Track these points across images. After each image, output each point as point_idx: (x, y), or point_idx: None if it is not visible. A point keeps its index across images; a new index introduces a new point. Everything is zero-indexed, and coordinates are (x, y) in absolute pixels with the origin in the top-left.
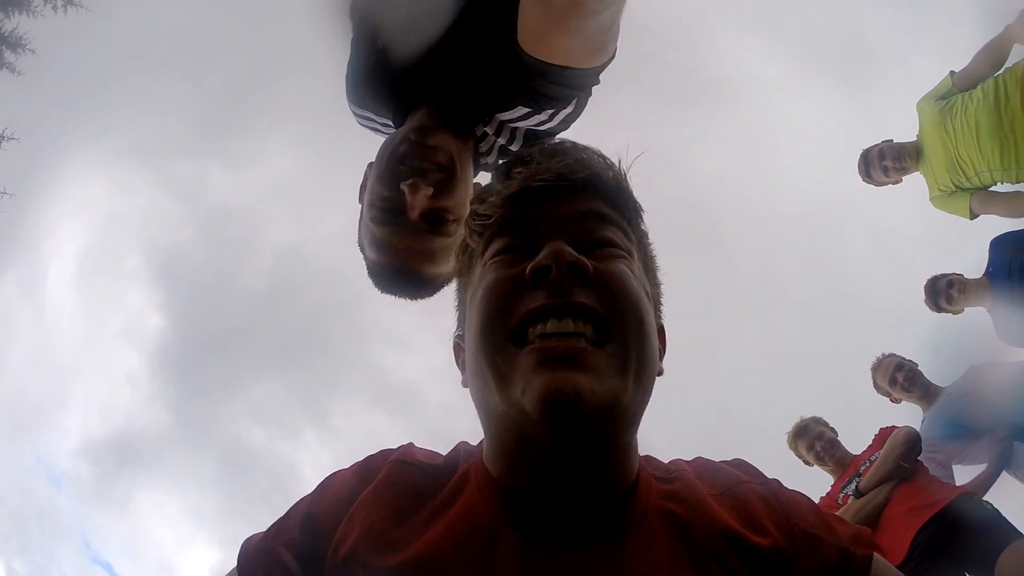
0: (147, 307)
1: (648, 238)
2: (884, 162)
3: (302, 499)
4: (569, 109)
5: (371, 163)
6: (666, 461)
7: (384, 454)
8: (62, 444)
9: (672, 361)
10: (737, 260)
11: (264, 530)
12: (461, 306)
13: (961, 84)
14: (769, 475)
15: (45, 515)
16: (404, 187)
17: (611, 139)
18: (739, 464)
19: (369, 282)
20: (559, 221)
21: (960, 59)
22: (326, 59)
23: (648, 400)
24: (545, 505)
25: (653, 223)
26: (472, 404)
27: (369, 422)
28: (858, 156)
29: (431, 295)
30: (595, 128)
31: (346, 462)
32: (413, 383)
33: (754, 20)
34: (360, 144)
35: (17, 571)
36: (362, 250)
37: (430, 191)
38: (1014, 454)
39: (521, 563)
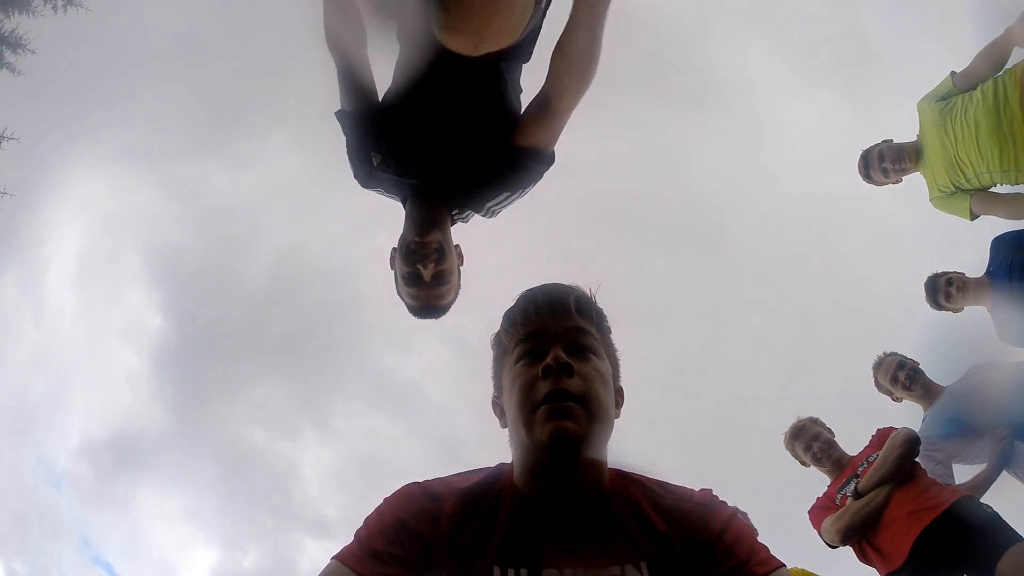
0: (147, 307)
1: (610, 333)
2: (884, 163)
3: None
4: (538, 182)
5: (394, 248)
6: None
7: (443, 482)
8: (62, 444)
9: (672, 361)
10: (738, 259)
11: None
12: (496, 376)
13: (961, 85)
14: (769, 474)
15: (45, 515)
16: (419, 267)
17: (613, 139)
18: (701, 491)
19: (370, 282)
20: (557, 335)
21: (960, 58)
22: (326, 60)
23: (609, 435)
24: (552, 505)
25: (654, 223)
26: (489, 429)
27: (369, 422)
28: (858, 156)
29: (446, 313)
30: (597, 128)
31: (347, 462)
32: (414, 383)
33: (755, 21)
34: None
35: (17, 571)
36: (401, 297)
37: (433, 267)
38: (1014, 453)
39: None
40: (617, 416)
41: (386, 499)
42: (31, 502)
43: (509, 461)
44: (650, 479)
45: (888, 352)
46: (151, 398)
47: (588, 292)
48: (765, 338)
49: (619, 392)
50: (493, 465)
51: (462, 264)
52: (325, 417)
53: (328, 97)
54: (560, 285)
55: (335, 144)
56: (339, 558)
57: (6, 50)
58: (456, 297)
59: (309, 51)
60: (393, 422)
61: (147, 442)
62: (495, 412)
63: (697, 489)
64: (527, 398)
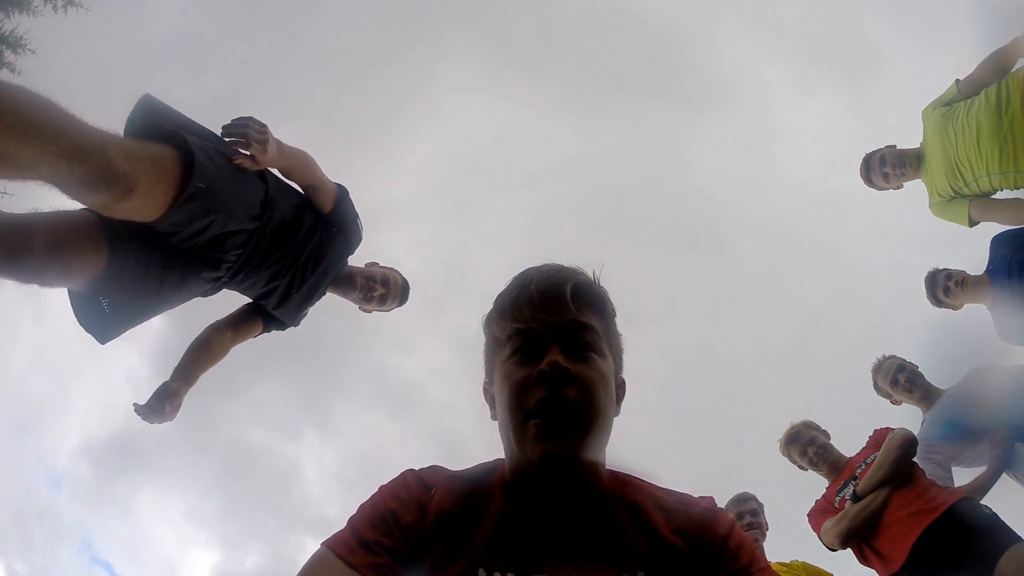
0: None
1: (615, 319)
2: (885, 168)
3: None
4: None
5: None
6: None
7: (432, 470)
8: (63, 444)
9: (673, 360)
10: (740, 259)
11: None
12: (488, 363)
13: (966, 91)
14: (769, 474)
15: (46, 515)
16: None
17: (616, 138)
18: (704, 498)
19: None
20: (554, 332)
21: (963, 63)
22: (326, 60)
23: (607, 438)
24: (545, 509)
25: (657, 223)
26: (488, 425)
27: (371, 422)
28: (860, 159)
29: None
30: (600, 127)
31: (348, 462)
32: (415, 383)
33: (760, 23)
34: (360, 145)
35: (18, 571)
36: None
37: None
38: (1014, 456)
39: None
40: (617, 413)
41: (382, 486)
42: (31, 502)
43: (503, 456)
44: (650, 484)
45: (887, 355)
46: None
47: (591, 276)
48: (765, 338)
49: (620, 386)
50: (491, 460)
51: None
52: (326, 417)
53: (328, 98)
54: (559, 271)
55: (335, 144)
56: (329, 545)
57: (6, 50)
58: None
59: (309, 51)
60: (394, 422)
61: (148, 442)
62: (486, 400)
63: (698, 496)
64: (519, 403)
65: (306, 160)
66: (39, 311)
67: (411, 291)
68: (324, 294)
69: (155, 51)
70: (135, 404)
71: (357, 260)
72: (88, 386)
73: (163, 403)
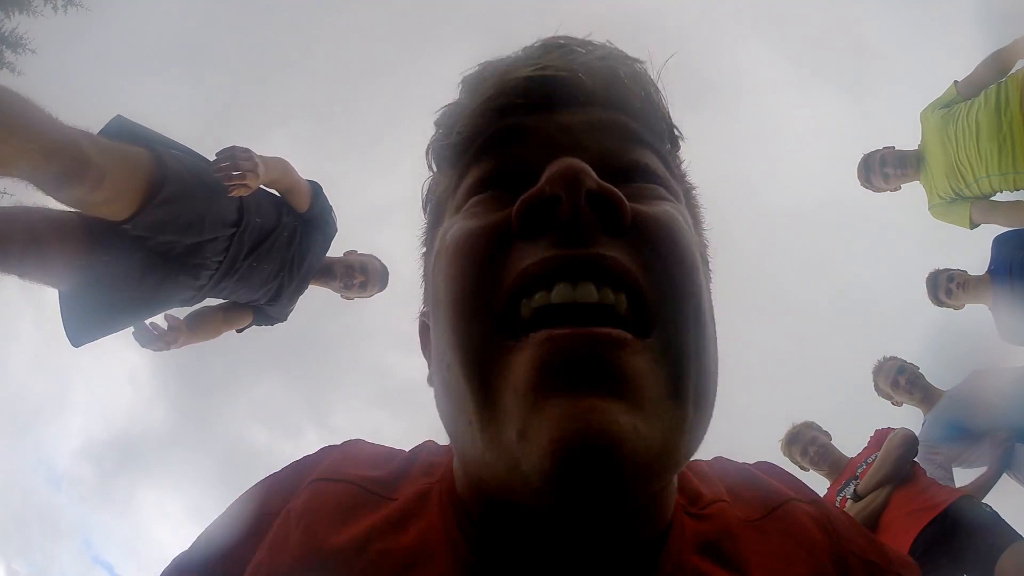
0: None
1: (691, 182)
2: (885, 169)
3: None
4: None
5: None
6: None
7: (298, 471)
8: (63, 444)
9: None
10: (739, 260)
11: None
12: (427, 275)
13: (965, 92)
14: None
15: (46, 515)
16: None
17: None
18: (774, 472)
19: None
20: (567, 133)
21: (963, 62)
22: (327, 59)
23: (707, 419)
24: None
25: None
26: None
27: (371, 421)
28: (859, 161)
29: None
30: None
31: None
32: (416, 382)
33: (758, 22)
34: (360, 146)
35: (18, 571)
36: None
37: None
38: (1014, 456)
39: None
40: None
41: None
42: (31, 502)
43: (441, 446)
44: (704, 483)
45: (888, 356)
46: (152, 397)
47: (646, 68)
48: (765, 338)
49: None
50: (406, 451)
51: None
52: (327, 416)
53: (329, 98)
54: (575, 39)
55: (336, 144)
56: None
57: (6, 50)
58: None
59: (310, 51)
60: (395, 421)
61: (148, 441)
62: (422, 347)
63: (755, 466)
64: (479, 295)
65: (285, 168)
66: (39, 311)
67: (420, 294)
68: (307, 287)
69: (155, 51)
70: (134, 332)
71: (335, 250)
72: (88, 386)
73: (161, 335)
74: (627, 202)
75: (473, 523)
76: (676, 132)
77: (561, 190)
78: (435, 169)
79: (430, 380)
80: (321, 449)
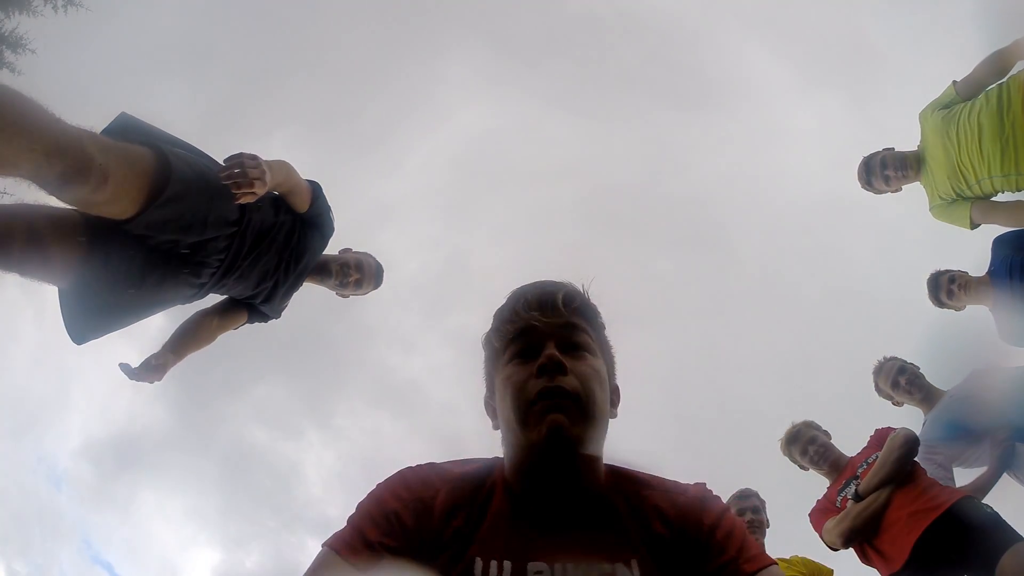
0: None
1: (605, 330)
2: (886, 170)
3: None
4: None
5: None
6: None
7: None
8: (63, 444)
9: (674, 361)
10: (741, 260)
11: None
12: (488, 377)
13: (964, 93)
14: (771, 474)
15: (46, 515)
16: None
17: (617, 139)
18: (695, 485)
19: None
20: (550, 333)
21: (964, 63)
22: (328, 59)
23: (604, 435)
24: (545, 503)
25: (657, 223)
26: (488, 428)
27: (372, 422)
28: (859, 164)
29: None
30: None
31: (350, 462)
32: (416, 383)
33: (760, 24)
34: (361, 146)
35: (18, 571)
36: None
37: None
38: (1015, 456)
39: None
40: (613, 416)
41: (379, 484)
42: (32, 502)
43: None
44: (644, 474)
45: (888, 357)
46: (152, 397)
47: (580, 288)
48: (767, 338)
49: (615, 391)
50: (489, 457)
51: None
52: (327, 417)
53: (331, 97)
54: (550, 281)
55: (336, 144)
56: (331, 545)
57: (6, 50)
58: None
59: (312, 51)
60: (396, 422)
61: (148, 442)
62: (488, 413)
63: (691, 483)
64: (520, 397)
65: (287, 170)
66: (39, 311)
67: (422, 296)
68: (302, 284)
69: (155, 51)
70: (121, 364)
71: (330, 248)
72: (88, 386)
73: (149, 373)
74: (569, 365)
75: (512, 486)
76: (601, 319)
77: (547, 361)
78: (491, 333)
79: (495, 427)
80: (429, 463)
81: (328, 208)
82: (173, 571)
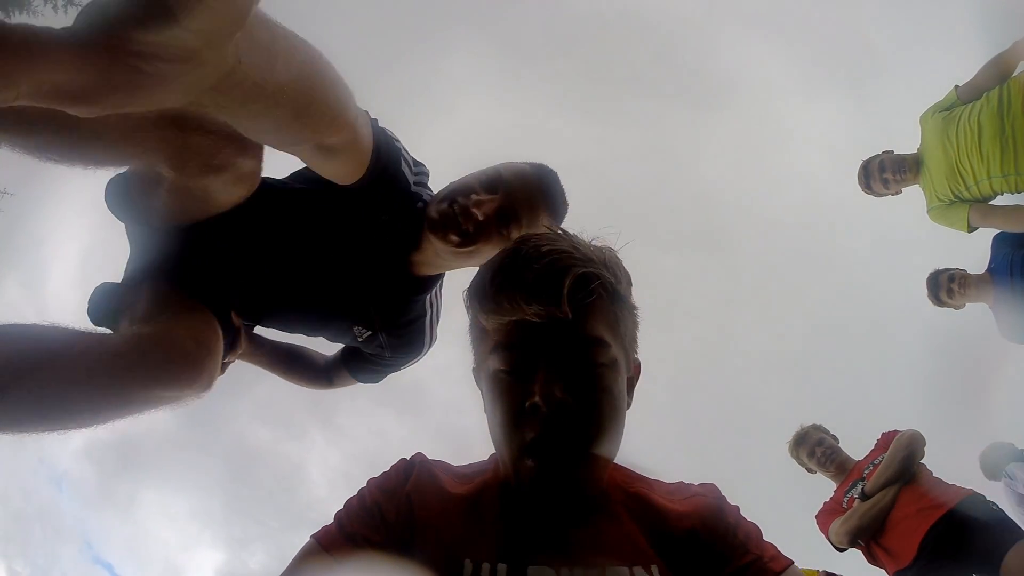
0: None
1: (631, 296)
2: (884, 173)
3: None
4: None
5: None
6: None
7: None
8: (64, 444)
9: (677, 362)
10: (743, 261)
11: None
12: (474, 348)
13: (965, 97)
14: (775, 477)
15: (47, 516)
16: None
17: (620, 139)
18: (705, 486)
19: None
20: (550, 341)
21: (965, 66)
22: (330, 58)
23: (618, 443)
24: (545, 503)
25: (659, 224)
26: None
27: (376, 421)
28: (858, 167)
29: None
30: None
31: (354, 461)
32: (420, 382)
33: (763, 25)
34: None
35: (19, 572)
36: None
37: None
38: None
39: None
40: (628, 405)
41: (371, 479)
42: (33, 502)
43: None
44: (651, 477)
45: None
46: None
47: (601, 258)
48: (771, 339)
49: (635, 369)
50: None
51: None
52: (331, 416)
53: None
54: (556, 251)
55: None
56: (316, 537)
57: None
58: None
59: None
60: (400, 421)
61: (150, 441)
62: (476, 384)
63: (698, 484)
64: (511, 435)
65: None
66: (40, 311)
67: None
68: None
69: None
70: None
71: None
72: None
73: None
74: (573, 404)
75: (508, 488)
76: (626, 285)
77: (543, 403)
78: (471, 304)
79: (485, 409)
80: (437, 460)
81: None
82: (175, 572)
